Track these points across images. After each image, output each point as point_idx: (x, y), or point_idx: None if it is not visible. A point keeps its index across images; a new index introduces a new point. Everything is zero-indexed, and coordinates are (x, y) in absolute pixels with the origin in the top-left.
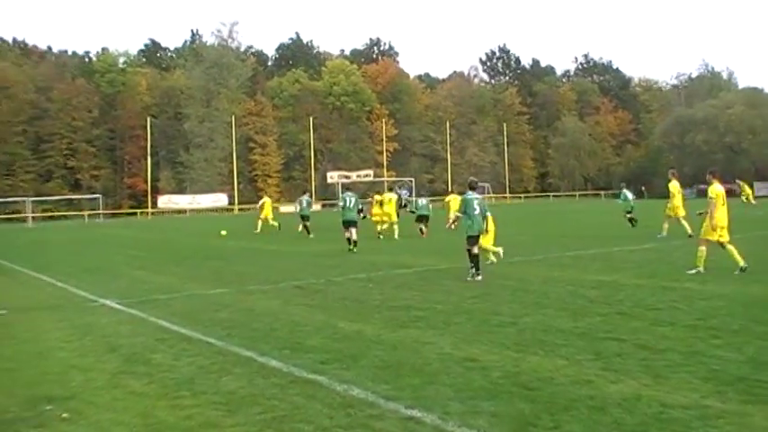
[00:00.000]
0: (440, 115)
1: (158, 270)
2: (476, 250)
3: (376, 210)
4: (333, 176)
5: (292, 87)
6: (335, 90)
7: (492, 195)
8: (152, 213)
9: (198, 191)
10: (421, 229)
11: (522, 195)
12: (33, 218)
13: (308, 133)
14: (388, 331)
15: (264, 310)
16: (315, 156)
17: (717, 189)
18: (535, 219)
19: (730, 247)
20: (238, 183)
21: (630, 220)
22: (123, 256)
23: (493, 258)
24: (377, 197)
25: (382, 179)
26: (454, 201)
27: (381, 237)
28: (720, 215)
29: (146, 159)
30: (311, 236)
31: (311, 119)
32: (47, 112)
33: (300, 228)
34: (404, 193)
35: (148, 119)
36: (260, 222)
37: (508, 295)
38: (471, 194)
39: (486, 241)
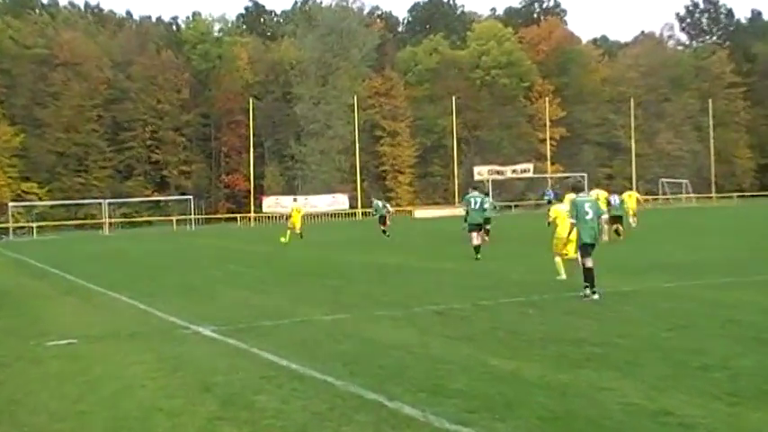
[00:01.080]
0: (621, 91)
1: (264, 290)
2: (590, 263)
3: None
4: (481, 172)
5: (429, 59)
6: (485, 61)
7: (692, 195)
8: (255, 219)
9: (312, 191)
10: (617, 231)
11: (735, 194)
12: (110, 224)
13: (450, 117)
14: (555, 372)
15: (395, 341)
16: (458, 146)
17: None
18: (753, 226)
19: None
20: (362, 180)
21: None
22: (221, 272)
23: (562, 275)
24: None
25: (545, 175)
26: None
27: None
28: None
29: (248, 152)
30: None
31: (454, 99)
32: (126, 94)
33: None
34: (549, 194)
35: (251, 100)
36: (288, 232)
37: (717, 328)
38: (581, 197)
39: (571, 250)
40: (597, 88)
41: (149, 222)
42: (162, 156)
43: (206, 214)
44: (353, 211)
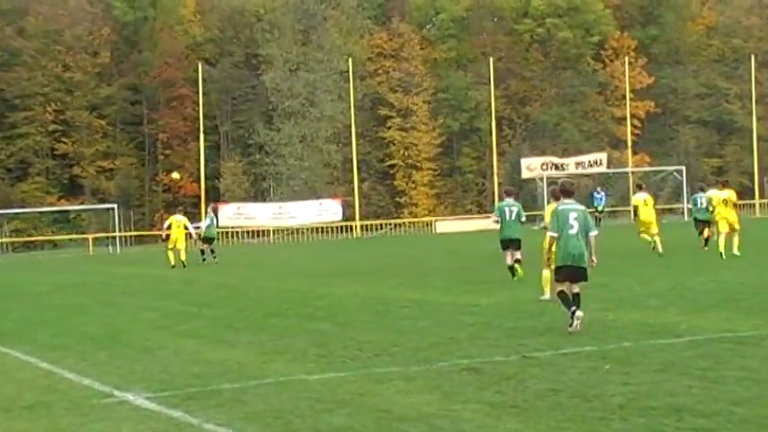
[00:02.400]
0: (737, 45)
1: (222, 338)
2: (576, 288)
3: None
4: (532, 166)
5: (456, 4)
6: (536, 6)
7: None
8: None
9: (289, 195)
10: (706, 240)
11: None
12: None
13: (487, 89)
14: None
15: (410, 410)
16: (498, 129)
17: None
18: None
19: None
20: (361, 180)
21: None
22: (159, 314)
23: (546, 295)
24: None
25: (625, 169)
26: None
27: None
28: None
29: (196, 140)
30: (216, 260)
31: (491, 61)
32: (17, 57)
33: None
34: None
35: (200, 66)
36: (171, 254)
37: None
38: (567, 204)
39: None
40: (700, 42)
41: (54, 243)
42: (71, 147)
43: (137, 230)
44: (349, 224)
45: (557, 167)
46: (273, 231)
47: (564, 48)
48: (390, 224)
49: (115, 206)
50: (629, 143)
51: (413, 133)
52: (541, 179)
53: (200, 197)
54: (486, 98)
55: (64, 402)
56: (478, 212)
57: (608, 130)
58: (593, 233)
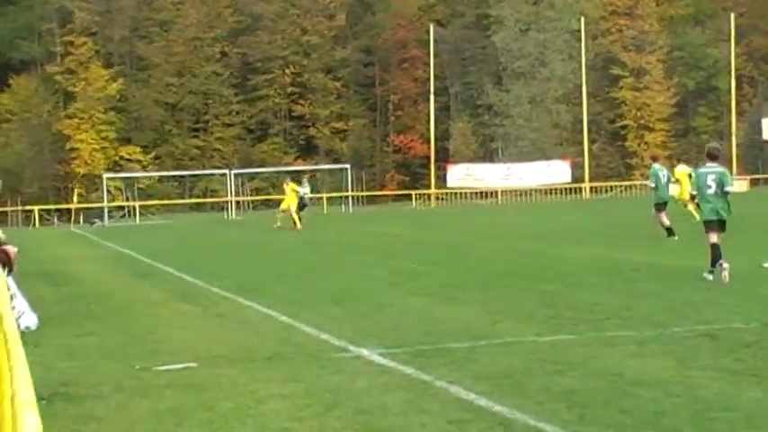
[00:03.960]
0: None
1: (451, 297)
2: (714, 239)
3: None
4: None
5: None
6: None
7: None
8: (438, 197)
9: (517, 156)
10: None
11: None
12: (237, 203)
13: (726, 46)
14: None
15: (643, 376)
16: (737, 87)
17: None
18: None
19: None
20: (591, 141)
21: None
22: (390, 272)
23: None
24: None
25: None
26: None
27: None
28: None
29: (426, 102)
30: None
31: (732, 17)
32: (259, 22)
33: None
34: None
35: (431, 28)
36: (280, 216)
37: None
38: (708, 167)
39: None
40: None
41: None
42: (308, 108)
43: (368, 190)
44: (578, 185)
45: None
46: (501, 192)
47: None
48: (620, 186)
49: (348, 167)
50: None
51: (646, 93)
52: None
53: (429, 158)
54: (725, 55)
55: (302, 355)
56: None
57: None
58: (728, 188)
